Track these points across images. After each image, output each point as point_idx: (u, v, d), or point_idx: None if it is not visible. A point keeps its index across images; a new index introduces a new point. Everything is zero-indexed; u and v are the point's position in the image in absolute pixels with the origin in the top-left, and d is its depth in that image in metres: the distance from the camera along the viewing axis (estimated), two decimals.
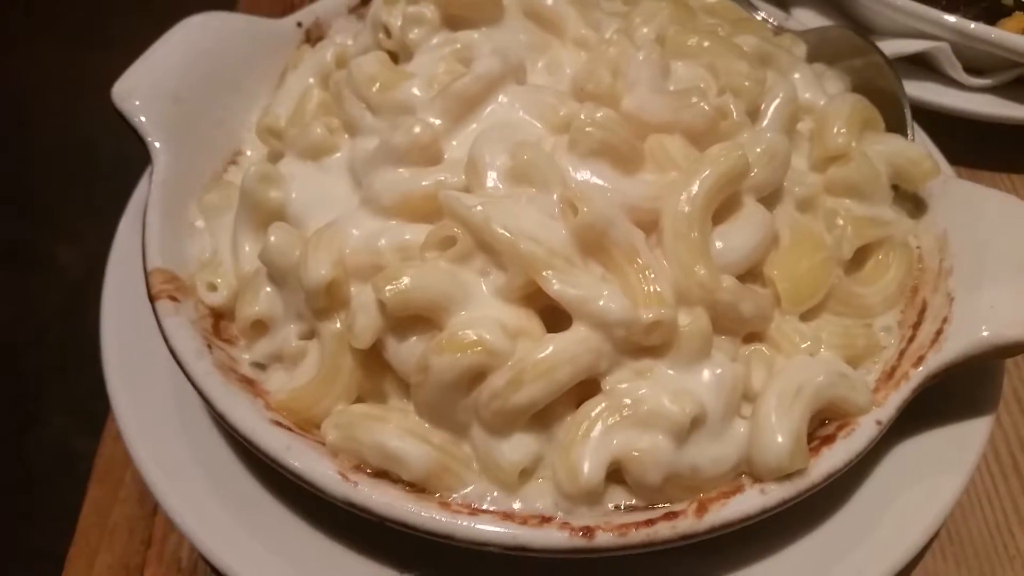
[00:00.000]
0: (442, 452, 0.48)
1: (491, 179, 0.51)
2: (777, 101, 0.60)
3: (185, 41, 0.66)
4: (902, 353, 0.54)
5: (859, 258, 0.59)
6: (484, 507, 0.48)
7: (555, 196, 0.50)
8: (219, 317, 0.58)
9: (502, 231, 0.48)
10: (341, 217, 0.54)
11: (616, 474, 0.48)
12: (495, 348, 0.47)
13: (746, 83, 0.58)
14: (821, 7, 0.93)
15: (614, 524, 0.46)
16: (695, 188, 0.50)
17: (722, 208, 0.52)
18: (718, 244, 0.51)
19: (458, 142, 0.55)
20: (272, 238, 0.53)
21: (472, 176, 0.52)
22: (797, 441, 0.47)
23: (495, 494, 0.48)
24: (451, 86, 0.56)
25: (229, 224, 0.60)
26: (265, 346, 0.55)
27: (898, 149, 0.62)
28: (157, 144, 0.60)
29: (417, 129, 0.53)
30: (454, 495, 0.48)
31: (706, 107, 0.54)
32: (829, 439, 0.49)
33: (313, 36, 0.73)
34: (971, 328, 0.52)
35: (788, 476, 0.48)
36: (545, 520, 0.46)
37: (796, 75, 0.65)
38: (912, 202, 0.63)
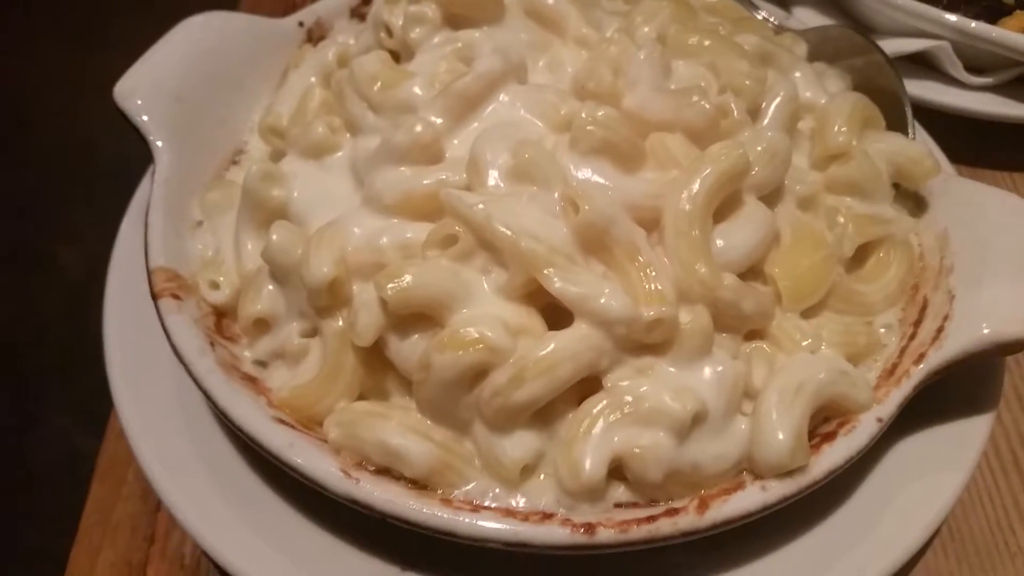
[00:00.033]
0: (444, 449, 0.48)
1: (492, 178, 0.51)
2: (778, 100, 0.60)
3: (187, 41, 0.66)
4: (903, 351, 0.54)
5: (860, 256, 0.59)
6: (486, 504, 0.48)
7: (556, 194, 0.50)
8: (221, 315, 0.58)
9: (503, 229, 0.48)
10: (343, 215, 0.54)
11: (618, 471, 0.48)
12: (497, 346, 0.47)
13: (747, 82, 0.58)
14: (822, 6, 0.93)
15: (615, 521, 0.46)
16: (696, 186, 0.50)
17: (723, 206, 0.53)
18: (719, 242, 0.52)
19: (459, 141, 0.56)
20: (274, 236, 0.53)
21: (473, 175, 0.52)
22: (798, 438, 0.47)
23: (497, 491, 0.48)
24: (452, 85, 0.56)
25: (231, 223, 0.60)
26: (267, 344, 0.55)
27: (899, 147, 0.62)
28: (159, 143, 0.60)
29: (419, 128, 0.54)
30: (456, 492, 0.48)
31: (707, 106, 0.54)
32: (830, 436, 0.50)
33: (315, 35, 0.73)
34: (972, 325, 0.52)
35: (789, 473, 0.48)
36: (547, 517, 0.47)
37: (797, 74, 0.65)
38: (913, 200, 0.63)
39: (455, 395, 0.48)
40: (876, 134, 0.63)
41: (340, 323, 0.51)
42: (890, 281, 0.58)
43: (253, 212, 0.58)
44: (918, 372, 0.52)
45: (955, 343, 0.52)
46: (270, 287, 0.55)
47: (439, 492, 0.48)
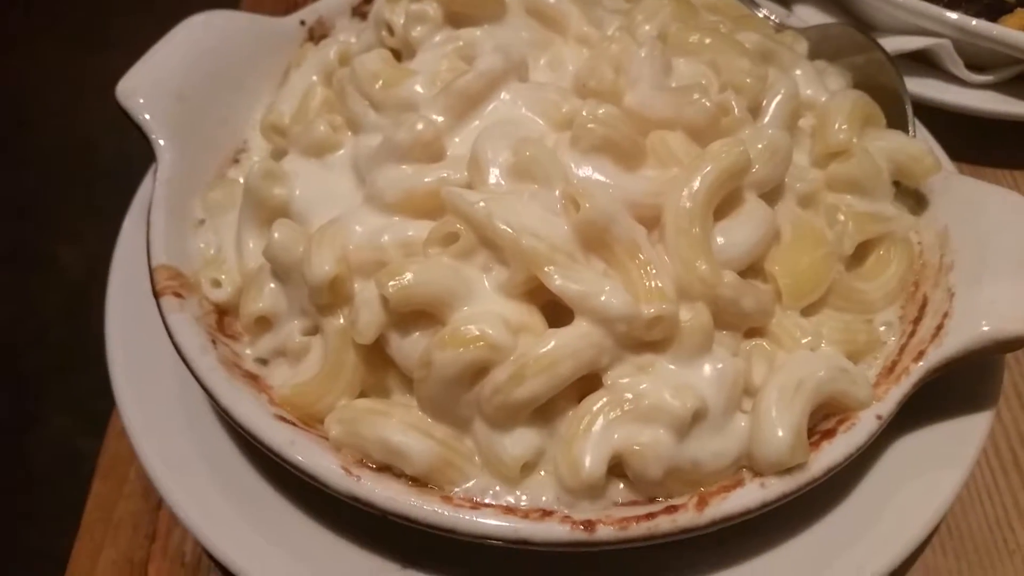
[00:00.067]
0: (445, 446, 0.49)
1: (493, 175, 0.51)
2: (778, 98, 0.60)
3: (188, 39, 0.66)
4: (902, 348, 0.54)
5: (860, 254, 0.59)
6: (486, 501, 0.48)
7: (557, 192, 0.50)
8: (223, 313, 0.58)
9: (504, 227, 0.48)
10: (344, 214, 0.54)
11: (617, 468, 0.48)
12: (497, 343, 0.47)
13: (747, 80, 0.58)
14: (823, 4, 0.93)
15: (615, 518, 0.46)
16: (697, 184, 0.50)
17: (724, 204, 0.53)
18: (719, 240, 0.52)
19: (461, 139, 0.56)
20: (276, 235, 0.53)
21: (475, 173, 0.52)
22: (797, 435, 0.47)
23: (497, 488, 0.48)
24: (454, 83, 0.56)
25: (233, 221, 0.60)
26: (269, 342, 0.56)
27: (899, 145, 0.62)
28: (161, 142, 0.60)
29: (420, 126, 0.54)
30: (456, 489, 0.48)
31: (708, 103, 0.54)
32: (829, 433, 0.50)
33: (316, 34, 0.73)
34: (971, 323, 0.52)
35: (788, 470, 0.48)
36: (547, 514, 0.47)
37: (797, 72, 0.66)
38: (913, 198, 0.63)
39: (456, 392, 0.48)
40: (877, 132, 0.63)
41: (341, 321, 0.51)
42: (890, 279, 0.58)
43: (255, 210, 0.58)
44: (918, 370, 0.52)
45: (955, 341, 0.52)
46: (272, 285, 0.55)
47: (440, 489, 0.48)
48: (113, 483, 0.65)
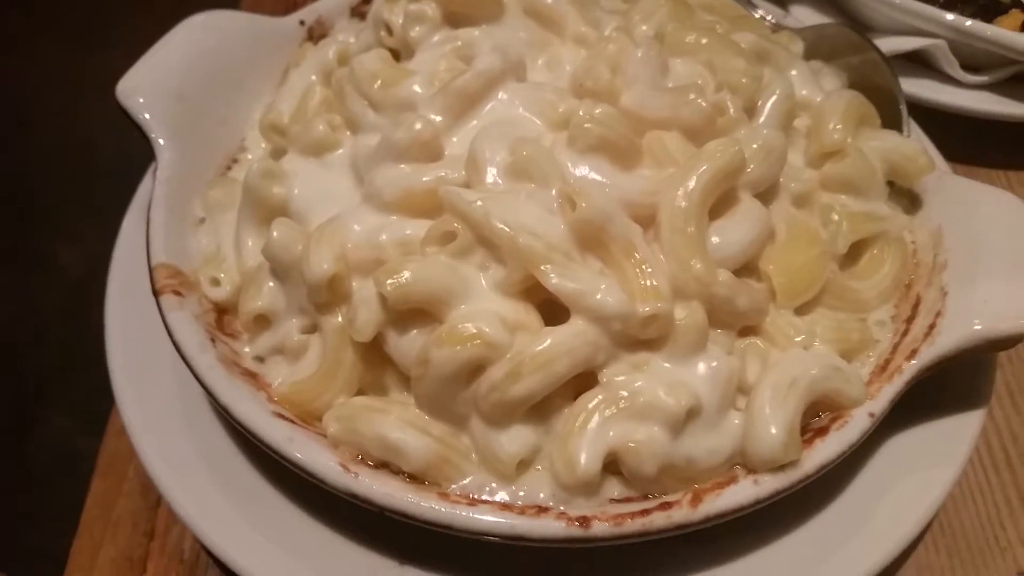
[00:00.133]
0: (442, 444, 0.49)
1: (491, 175, 0.52)
2: (774, 98, 0.60)
3: (188, 39, 0.66)
4: (895, 347, 0.55)
5: (854, 253, 0.59)
6: (483, 498, 0.48)
7: (554, 191, 0.50)
8: (222, 312, 0.58)
9: (501, 226, 0.48)
10: (343, 213, 0.54)
11: (613, 465, 0.48)
12: (494, 341, 0.47)
13: (743, 80, 0.59)
14: (819, 4, 0.93)
15: (610, 514, 0.46)
16: (692, 183, 0.51)
17: (719, 203, 0.53)
18: (714, 239, 0.52)
19: (459, 138, 0.56)
20: (275, 233, 0.53)
21: (472, 172, 0.53)
22: (790, 433, 0.48)
23: (493, 485, 0.49)
24: (452, 83, 0.56)
25: (232, 220, 0.60)
26: (267, 340, 0.56)
27: (893, 145, 0.62)
28: (161, 141, 0.61)
29: (418, 126, 0.54)
30: (453, 486, 0.49)
31: (703, 104, 0.55)
32: (822, 431, 0.50)
33: (315, 34, 0.74)
34: (964, 322, 0.53)
35: (781, 467, 0.48)
36: (542, 510, 0.47)
37: (793, 72, 0.66)
38: (907, 198, 0.64)
39: (453, 390, 0.49)
40: (871, 132, 0.64)
41: (340, 319, 0.52)
42: (884, 278, 0.58)
43: (254, 209, 0.58)
44: (910, 368, 0.52)
45: (947, 339, 0.52)
46: (270, 284, 0.56)
47: (437, 486, 0.49)
48: (112, 481, 0.66)
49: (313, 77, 0.68)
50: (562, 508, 0.47)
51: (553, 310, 0.49)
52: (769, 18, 0.81)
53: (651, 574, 0.52)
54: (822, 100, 0.64)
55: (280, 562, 0.52)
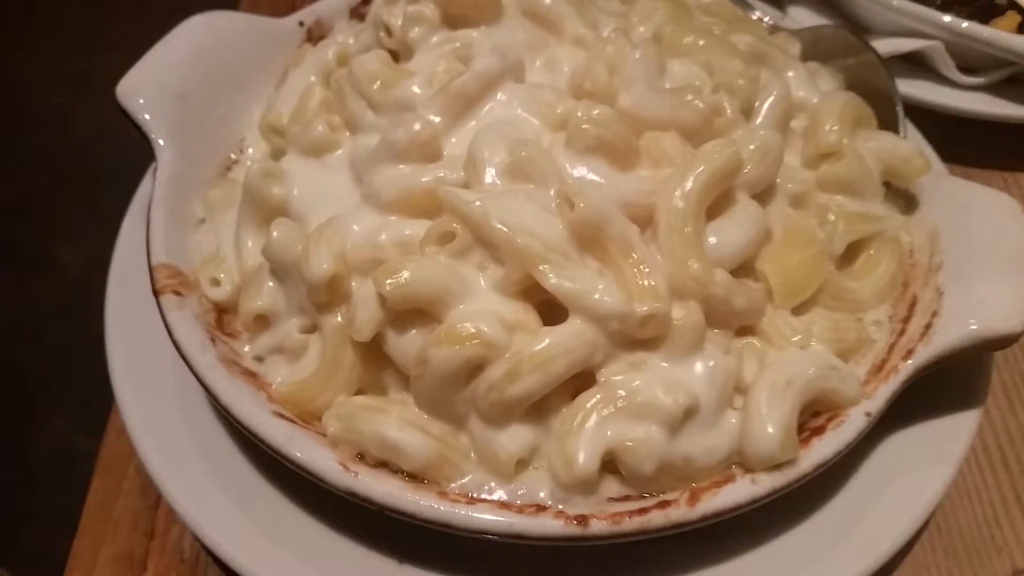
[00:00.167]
0: (441, 443, 0.49)
1: (489, 175, 0.52)
2: (771, 99, 0.61)
3: (188, 40, 0.66)
4: (892, 347, 0.55)
5: (851, 253, 0.59)
6: (482, 496, 0.49)
7: (552, 192, 0.50)
8: (222, 312, 0.58)
9: (500, 226, 0.49)
10: (342, 213, 0.54)
11: (611, 464, 0.49)
12: (493, 341, 0.48)
13: (740, 81, 0.59)
14: (816, 6, 0.93)
15: (608, 512, 0.46)
16: (689, 184, 0.51)
17: (716, 204, 0.53)
18: (712, 239, 0.52)
19: (457, 139, 0.56)
20: (275, 233, 0.53)
21: (471, 172, 0.53)
22: (787, 432, 0.48)
23: (492, 484, 0.49)
24: (451, 84, 0.57)
25: (232, 220, 0.60)
26: (267, 340, 0.56)
27: (890, 146, 0.63)
28: (161, 141, 0.61)
29: (417, 126, 0.54)
30: (452, 485, 0.49)
31: (701, 105, 0.55)
32: (819, 430, 0.50)
33: (315, 35, 0.74)
34: (960, 322, 0.53)
35: (778, 466, 0.48)
36: (541, 509, 0.47)
37: (790, 73, 0.66)
38: (904, 198, 0.64)
39: (452, 389, 0.49)
40: (868, 133, 0.64)
41: (339, 319, 0.52)
42: (880, 278, 0.58)
43: (254, 209, 0.58)
44: (906, 368, 0.52)
45: (943, 339, 0.53)
46: (270, 283, 0.56)
47: (436, 485, 0.49)
48: (112, 480, 0.66)
49: (312, 78, 0.68)
50: (560, 507, 0.48)
51: (552, 310, 0.50)
52: (766, 20, 0.81)
53: (649, 573, 0.52)
54: (819, 101, 0.64)
55: (280, 561, 0.52)
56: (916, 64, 0.86)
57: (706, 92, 0.59)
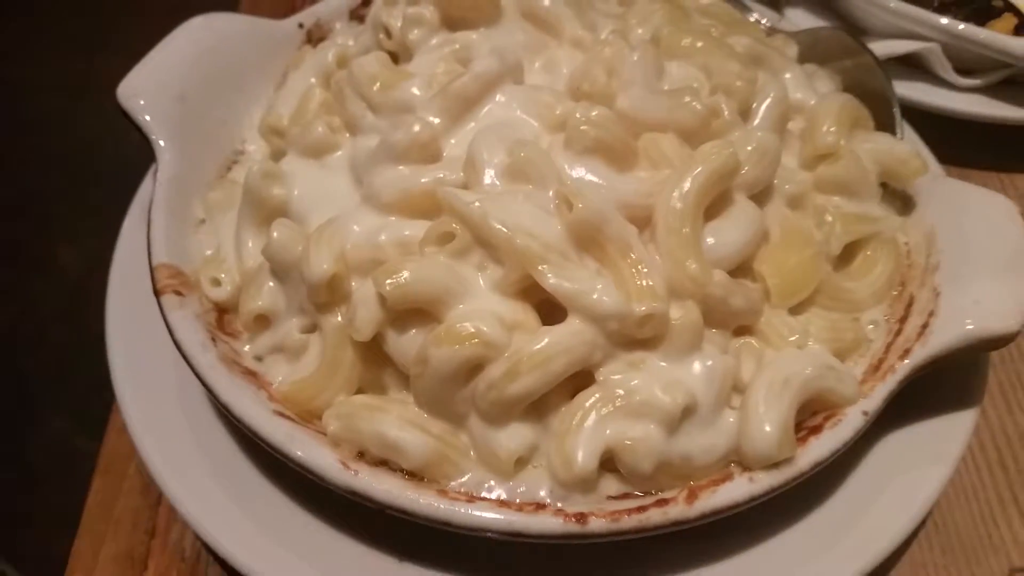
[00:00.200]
0: (440, 441, 0.49)
1: (489, 176, 0.52)
2: (768, 100, 0.61)
3: (188, 42, 0.67)
4: (888, 346, 0.55)
5: (848, 254, 0.60)
6: (481, 495, 0.49)
7: (551, 192, 0.51)
8: (223, 311, 0.59)
9: (499, 226, 0.49)
10: (342, 213, 0.55)
11: (610, 463, 0.49)
12: (492, 340, 0.48)
13: (738, 83, 0.59)
14: (813, 8, 0.93)
15: (607, 511, 0.47)
16: (687, 185, 0.51)
17: (714, 205, 0.53)
18: (709, 240, 0.53)
19: (457, 140, 0.57)
20: (275, 234, 0.54)
21: (470, 173, 0.53)
22: (785, 430, 0.48)
23: (492, 482, 0.49)
24: (450, 86, 0.57)
25: (232, 221, 0.61)
26: (268, 339, 0.56)
27: (886, 147, 0.63)
28: (162, 142, 0.61)
29: (417, 128, 0.55)
30: (452, 483, 0.49)
31: (698, 106, 0.55)
32: (816, 429, 0.51)
33: (314, 37, 0.74)
34: (956, 322, 0.53)
35: (776, 464, 0.49)
36: (540, 507, 0.48)
37: (787, 75, 0.67)
38: (901, 199, 0.64)
39: (452, 389, 0.49)
40: (864, 134, 0.64)
41: (339, 319, 0.52)
42: (877, 278, 0.59)
43: (254, 210, 0.59)
44: (903, 367, 0.53)
45: (940, 339, 0.53)
46: (270, 284, 0.56)
47: (436, 484, 0.49)
48: (113, 479, 0.66)
49: (312, 79, 0.68)
50: (560, 505, 0.48)
51: (551, 310, 0.50)
52: (764, 22, 0.81)
53: (648, 571, 0.52)
54: (816, 103, 0.65)
55: (280, 559, 0.52)
56: (913, 66, 0.87)
57: (704, 94, 0.59)
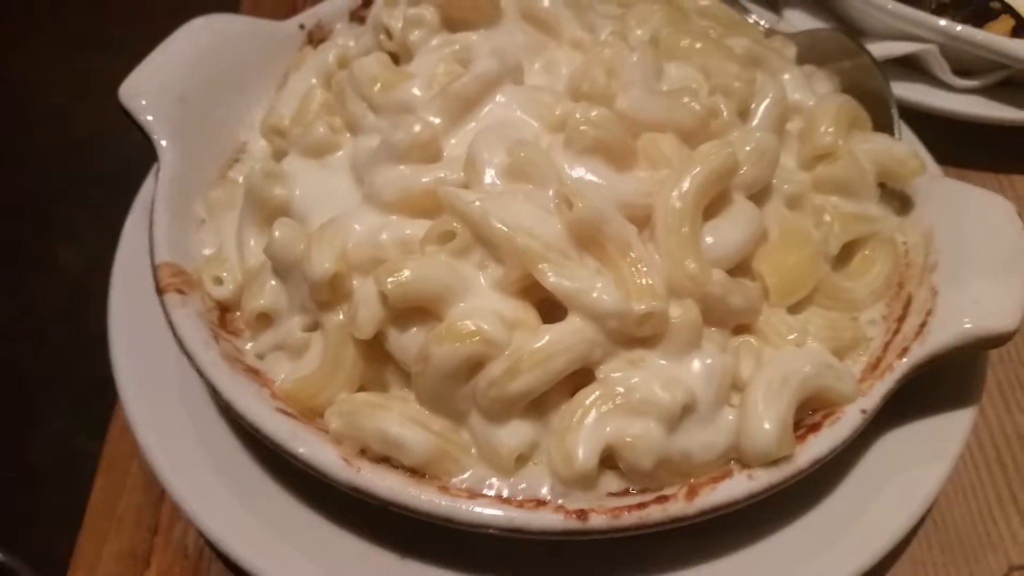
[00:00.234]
0: (442, 439, 0.50)
1: (489, 176, 0.53)
2: (767, 101, 0.61)
3: (190, 42, 0.67)
4: (887, 345, 0.56)
5: (846, 254, 0.60)
6: (482, 491, 0.49)
7: (551, 192, 0.51)
8: (225, 310, 0.59)
9: (500, 225, 0.49)
10: (344, 213, 0.55)
11: (610, 460, 0.49)
12: (493, 338, 0.48)
13: (736, 84, 0.59)
14: (812, 9, 0.94)
15: (607, 507, 0.47)
16: (686, 185, 0.52)
17: (712, 204, 0.54)
18: (708, 239, 0.53)
19: (457, 140, 0.57)
20: (277, 233, 0.54)
21: (471, 173, 0.53)
22: (783, 428, 0.48)
23: (493, 479, 0.50)
24: (450, 86, 0.57)
25: (234, 220, 0.61)
26: (270, 338, 0.57)
27: (884, 148, 0.63)
28: (163, 142, 0.61)
29: (417, 128, 0.55)
30: (453, 480, 0.50)
31: (697, 107, 0.56)
32: (815, 427, 0.51)
33: (315, 38, 0.74)
34: (954, 321, 0.53)
35: (775, 462, 0.49)
36: (541, 503, 0.48)
37: (786, 76, 0.67)
38: (899, 200, 0.64)
39: (453, 386, 0.49)
40: (863, 135, 0.64)
41: (341, 317, 0.53)
42: (875, 278, 0.59)
43: (256, 210, 0.59)
44: (901, 366, 0.53)
45: (938, 338, 0.53)
46: (272, 282, 0.56)
47: (437, 480, 0.50)
48: (116, 477, 0.66)
49: (313, 80, 0.69)
50: (560, 501, 0.48)
51: (551, 308, 0.50)
52: (762, 23, 0.81)
53: (648, 567, 0.53)
54: (814, 104, 0.65)
55: (283, 556, 0.53)
56: (911, 67, 0.87)
57: (703, 94, 0.59)
